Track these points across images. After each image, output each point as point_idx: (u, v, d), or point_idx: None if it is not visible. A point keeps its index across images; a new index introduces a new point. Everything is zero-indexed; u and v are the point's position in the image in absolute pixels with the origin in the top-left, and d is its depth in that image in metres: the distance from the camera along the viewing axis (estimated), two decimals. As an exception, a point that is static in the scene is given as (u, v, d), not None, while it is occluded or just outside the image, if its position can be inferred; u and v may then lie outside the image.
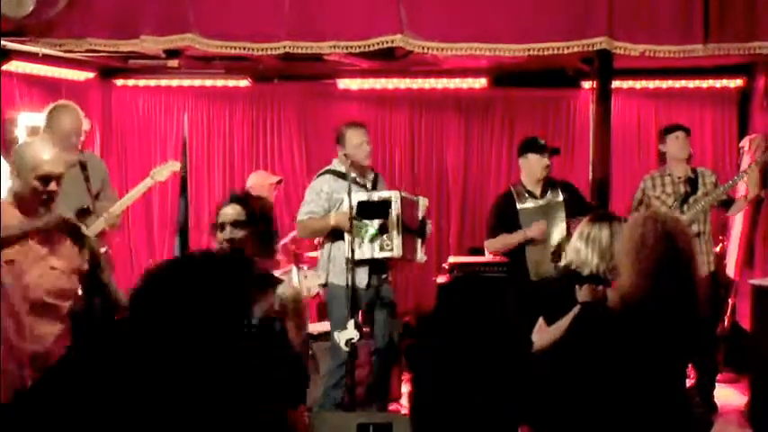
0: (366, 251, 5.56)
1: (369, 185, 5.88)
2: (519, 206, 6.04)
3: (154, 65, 7.82)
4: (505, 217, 6.07)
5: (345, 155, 5.81)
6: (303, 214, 5.87)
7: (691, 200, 6.31)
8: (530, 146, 6.11)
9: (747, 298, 6.48)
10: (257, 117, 8.60)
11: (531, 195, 6.05)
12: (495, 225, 6.18)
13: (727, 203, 6.42)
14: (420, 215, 5.88)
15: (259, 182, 7.35)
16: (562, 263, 5.15)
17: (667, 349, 3.44)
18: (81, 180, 5.50)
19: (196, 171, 8.48)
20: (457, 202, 8.49)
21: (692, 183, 6.35)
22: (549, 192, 6.07)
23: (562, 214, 5.98)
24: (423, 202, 5.94)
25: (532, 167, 6.05)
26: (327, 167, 5.97)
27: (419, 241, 5.86)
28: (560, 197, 6.06)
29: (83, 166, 5.54)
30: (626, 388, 3.36)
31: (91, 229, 5.18)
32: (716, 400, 6.32)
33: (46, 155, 3.92)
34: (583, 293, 5.25)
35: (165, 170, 6.06)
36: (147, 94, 8.62)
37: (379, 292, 5.79)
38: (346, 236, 5.62)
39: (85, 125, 5.80)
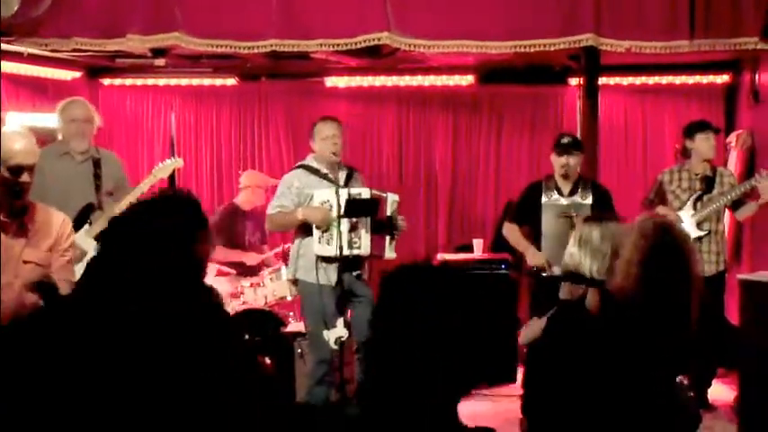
0: (334, 248, 5.53)
1: (341, 182, 5.78)
2: (543, 199, 6.05)
3: (141, 64, 7.81)
4: (528, 206, 6.11)
5: (314, 149, 5.81)
6: (273, 208, 5.81)
7: (705, 198, 6.23)
8: (554, 144, 6.08)
9: (735, 293, 6.51)
10: (245, 116, 8.60)
11: (559, 192, 6.05)
12: (517, 212, 6.26)
13: (737, 204, 6.30)
14: (389, 211, 5.81)
15: (254, 182, 7.32)
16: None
17: (650, 356, 3.42)
18: (90, 176, 5.52)
19: (184, 170, 8.44)
20: (445, 199, 8.49)
21: (710, 181, 6.28)
22: (578, 191, 6.04)
23: (586, 214, 5.98)
24: (391, 199, 5.87)
25: (554, 165, 6.06)
26: (300, 162, 5.95)
27: (387, 238, 5.82)
28: (589, 199, 6.02)
29: (95, 164, 5.56)
30: (598, 390, 3.35)
31: (94, 226, 5.29)
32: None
33: (17, 145, 3.83)
34: (563, 291, 5.26)
35: (168, 167, 6.06)
36: (134, 93, 8.60)
37: (353, 290, 5.76)
38: (315, 232, 5.60)
39: (98, 121, 5.83)
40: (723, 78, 8.09)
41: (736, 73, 7.92)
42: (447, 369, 1.88)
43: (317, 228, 5.57)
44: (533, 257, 5.99)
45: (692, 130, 6.36)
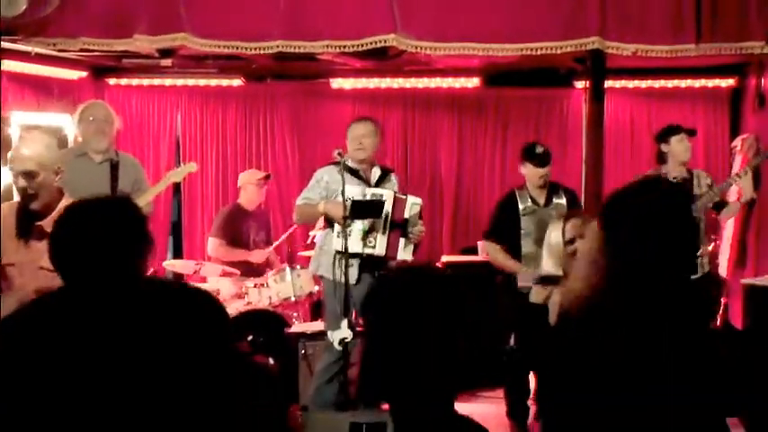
0: (353, 245, 5.57)
1: (373, 181, 5.86)
2: (521, 209, 6.02)
3: (147, 64, 7.81)
4: (506, 218, 6.05)
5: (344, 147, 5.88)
6: (300, 199, 5.91)
7: None
8: (526, 154, 6.07)
9: (739, 297, 6.51)
10: (250, 116, 8.61)
11: (534, 201, 6.03)
12: (496, 225, 6.16)
13: (720, 206, 6.34)
14: (407, 214, 5.83)
15: (247, 179, 7.44)
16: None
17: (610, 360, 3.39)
18: (107, 179, 5.53)
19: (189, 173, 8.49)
20: (450, 202, 8.50)
21: (687, 184, 6.33)
22: (553, 198, 6.04)
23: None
24: (411, 201, 5.89)
25: (529, 176, 6.03)
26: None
27: (402, 240, 5.84)
28: (563, 201, 6.03)
29: (113, 166, 5.57)
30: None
31: None
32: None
33: (27, 150, 3.83)
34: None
35: (182, 172, 6.09)
36: (140, 93, 8.62)
37: None
38: (335, 227, 5.65)
39: (118, 123, 5.85)
40: (729, 82, 8.09)
41: (742, 77, 7.92)
42: (433, 367, 1.89)
43: (338, 223, 5.62)
44: (526, 279, 5.90)
45: (666, 133, 6.38)
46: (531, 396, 5.96)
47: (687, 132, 6.37)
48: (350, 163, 5.84)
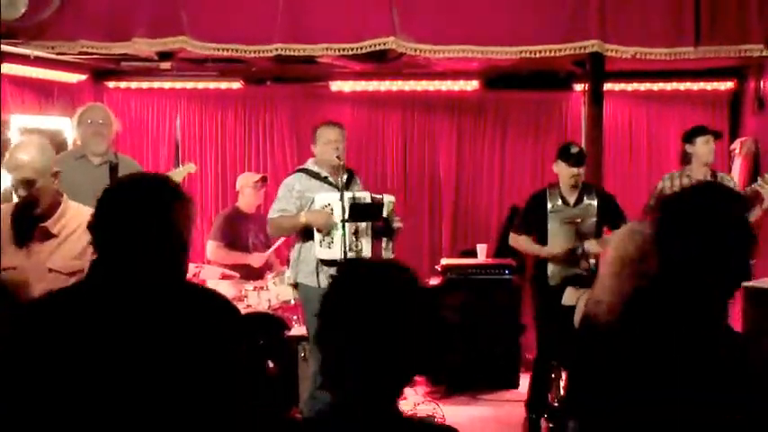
0: (336, 252, 5.54)
1: (341, 185, 5.75)
2: (549, 207, 6.02)
3: (146, 67, 7.81)
4: (534, 216, 6.07)
5: (315, 153, 5.82)
6: (275, 212, 5.80)
7: None
8: (560, 153, 6.04)
9: (739, 300, 6.50)
10: (250, 119, 8.61)
11: (564, 200, 6.02)
12: (523, 222, 6.21)
13: None
14: (385, 213, 5.79)
15: (244, 182, 7.45)
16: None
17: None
18: (106, 181, 5.50)
19: (188, 173, 8.47)
20: (449, 204, 8.50)
21: None
22: (584, 198, 6.02)
23: (593, 220, 5.97)
24: (387, 200, 5.82)
25: (562, 175, 6.02)
26: (301, 166, 5.96)
27: (384, 240, 5.82)
28: (594, 202, 6.01)
29: (112, 168, 5.56)
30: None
31: None
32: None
33: (26, 156, 3.81)
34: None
35: (181, 173, 6.09)
36: (139, 96, 8.62)
37: None
38: (316, 235, 5.60)
39: (117, 126, 5.85)
40: (727, 85, 8.09)
41: (741, 80, 7.92)
42: (377, 363, 1.91)
43: (319, 231, 5.58)
44: (552, 250, 5.94)
45: (692, 134, 6.37)
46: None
47: (713, 134, 6.37)
48: (317, 169, 5.77)
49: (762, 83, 7.37)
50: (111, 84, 8.45)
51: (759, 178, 6.22)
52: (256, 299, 6.78)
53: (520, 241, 6.20)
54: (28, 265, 3.73)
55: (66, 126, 7.33)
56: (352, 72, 7.96)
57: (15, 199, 3.86)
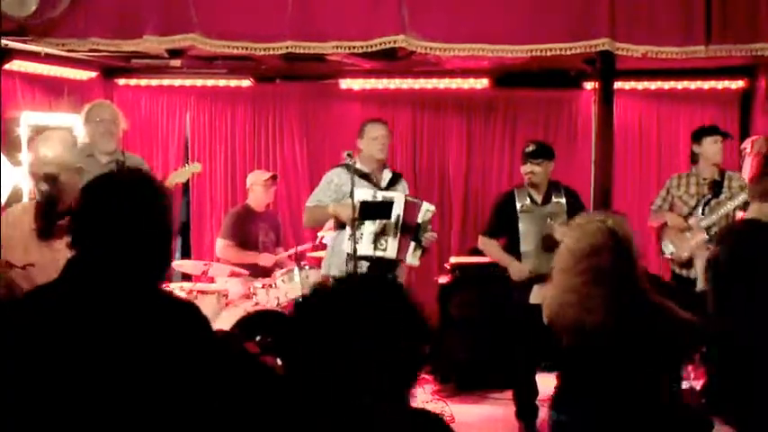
0: (364, 248, 5.59)
1: (383, 184, 5.87)
2: (519, 207, 6.00)
3: (156, 64, 7.83)
4: (504, 217, 6.04)
5: (360, 148, 5.91)
6: (310, 201, 5.97)
7: (713, 203, 6.20)
8: (522, 153, 6.08)
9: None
10: (259, 117, 8.61)
11: (532, 200, 6.01)
12: (493, 223, 6.17)
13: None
14: (420, 219, 5.85)
15: (254, 180, 7.45)
16: None
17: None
18: None
19: (194, 173, 8.50)
20: (458, 203, 8.49)
21: (717, 185, 6.26)
22: (552, 197, 6.01)
23: (563, 219, 5.96)
24: (425, 208, 5.90)
25: (523, 173, 6.03)
26: (344, 161, 6.01)
27: (413, 245, 5.84)
28: (563, 200, 6.01)
29: (120, 166, 5.57)
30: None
31: None
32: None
33: (46, 152, 3.82)
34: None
35: (185, 172, 6.11)
36: (149, 93, 8.63)
37: None
38: (347, 229, 5.65)
39: (123, 124, 5.86)
40: (738, 84, 8.07)
41: (752, 79, 7.90)
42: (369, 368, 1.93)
43: (347, 225, 5.62)
44: (518, 272, 5.90)
45: (700, 134, 6.37)
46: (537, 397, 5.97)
47: (722, 135, 6.34)
48: (359, 165, 5.84)
49: (772, 82, 7.35)
50: (122, 81, 8.47)
51: None
52: (265, 296, 6.79)
53: (489, 246, 6.15)
54: (49, 261, 3.74)
55: (76, 123, 7.33)
56: (362, 70, 7.96)
57: (37, 194, 3.88)
